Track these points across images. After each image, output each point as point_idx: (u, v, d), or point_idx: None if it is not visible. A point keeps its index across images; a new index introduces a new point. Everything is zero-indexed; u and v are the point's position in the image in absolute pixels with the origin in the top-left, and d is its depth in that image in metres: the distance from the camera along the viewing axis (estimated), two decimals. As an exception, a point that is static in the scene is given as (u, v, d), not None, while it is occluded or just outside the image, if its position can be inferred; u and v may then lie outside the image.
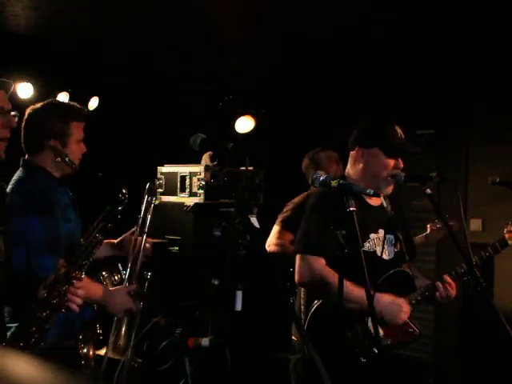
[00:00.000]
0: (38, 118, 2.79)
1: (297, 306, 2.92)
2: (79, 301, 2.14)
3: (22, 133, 2.80)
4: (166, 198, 4.13)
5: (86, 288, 2.27)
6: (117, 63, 5.34)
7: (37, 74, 4.95)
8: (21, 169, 2.79)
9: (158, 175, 4.22)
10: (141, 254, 2.99)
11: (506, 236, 3.11)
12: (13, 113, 2.20)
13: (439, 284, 2.84)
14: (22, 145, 2.82)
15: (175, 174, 4.13)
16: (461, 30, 4.44)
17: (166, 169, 4.21)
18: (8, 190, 2.64)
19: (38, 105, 2.84)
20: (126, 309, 2.68)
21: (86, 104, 5.55)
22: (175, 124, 5.66)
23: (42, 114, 2.80)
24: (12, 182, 2.72)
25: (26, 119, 2.80)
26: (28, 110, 2.83)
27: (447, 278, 2.86)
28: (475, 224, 5.28)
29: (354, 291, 2.63)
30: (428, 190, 2.68)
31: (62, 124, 2.76)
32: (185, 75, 5.66)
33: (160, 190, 4.15)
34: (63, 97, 5.35)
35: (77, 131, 2.82)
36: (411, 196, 5.03)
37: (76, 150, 2.80)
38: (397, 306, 2.76)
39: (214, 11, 4.27)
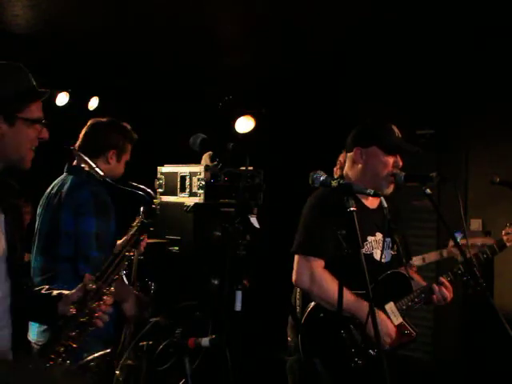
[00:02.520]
0: (106, 129, 3.13)
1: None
2: (107, 318, 2.07)
3: (82, 140, 3.12)
4: (165, 198, 4.12)
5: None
6: (117, 63, 5.34)
7: (37, 74, 4.94)
8: (69, 174, 3.04)
9: (158, 175, 4.21)
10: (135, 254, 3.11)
11: (505, 238, 3.10)
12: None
13: (435, 286, 2.84)
14: (82, 147, 3.07)
15: (175, 173, 4.12)
16: (461, 30, 4.44)
17: (166, 169, 4.20)
18: (64, 192, 2.94)
19: (103, 119, 3.18)
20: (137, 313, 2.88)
21: (86, 104, 5.55)
22: (175, 124, 5.66)
23: (110, 127, 3.14)
24: (66, 185, 2.98)
25: (94, 128, 3.14)
26: (92, 121, 3.17)
27: (444, 281, 2.85)
28: (475, 224, 5.28)
29: (350, 302, 2.62)
30: (428, 190, 2.67)
31: (123, 140, 3.12)
32: (185, 75, 5.65)
33: (160, 190, 4.15)
34: (63, 97, 5.35)
35: (129, 152, 3.18)
36: (411, 196, 5.02)
37: (123, 168, 3.16)
38: (384, 328, 2.74)
39: (213, 11, 4.27)
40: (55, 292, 2.13)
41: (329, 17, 4.34)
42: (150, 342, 2.52)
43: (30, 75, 2.08)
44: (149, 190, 2.37)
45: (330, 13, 4.25)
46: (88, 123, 3.19)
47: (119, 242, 2.80)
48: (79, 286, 2.08)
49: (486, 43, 4.59)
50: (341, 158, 4.37)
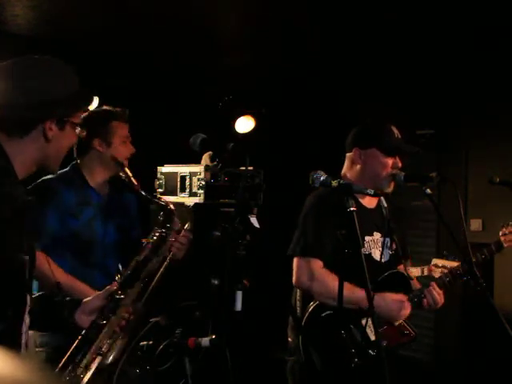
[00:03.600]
0: (84, 123, 2.89)
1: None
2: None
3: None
4: (166, 198, 4.13)
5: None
6: (117, 63, 5.34)
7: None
8: None
9: (158, 175, 4.21)
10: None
11: (502, 239, 3.10)
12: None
13: (426, 292, 2.85)
14: (74, 149, 2.96)
15: (175, 173, 4.12)
16: (461, 30, 4.43)
17: (166, 169, 4.19)
18: None
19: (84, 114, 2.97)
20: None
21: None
22: (175, 124, 5.65)
23: (85, 119, 2.91)
24: None
25: None
26: None
27: (435, 287, 2.86)
28: (475, 224, 5.28)
29: (354, 292, 2.62)
30: (428, 190, 2.68)
31: (103, 124, 2.94)
32: (184, 75, 5.65)
33: (160, 190, 4.15)
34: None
35: (120, 130, 2.96)
36: (411, 196, 5.02)
37: (122, 150, 2.97)
38: (399, 303, 2.76)
39: (213, 11, 4.27)
40: (69, 298, 2.11)
41: (329, 17, 4.33)
42: (150, 342, 2.53)
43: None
44: (170, 205, 2.36)
45: (329, 13, 4.24)
46: None
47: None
48: (99, 293, 2.08)
49: (485, 43, 4.59)
50: None
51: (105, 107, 3.08)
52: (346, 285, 2.46)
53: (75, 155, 3.06)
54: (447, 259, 3.29)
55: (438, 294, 2.84)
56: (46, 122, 1.86)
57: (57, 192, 2.86)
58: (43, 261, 2.72)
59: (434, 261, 3.59)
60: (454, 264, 3.15)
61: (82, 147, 2.98)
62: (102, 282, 2.90)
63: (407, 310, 2.79)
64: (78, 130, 1.98)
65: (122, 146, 3.00)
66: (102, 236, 3.01)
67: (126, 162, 3.01)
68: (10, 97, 1.86)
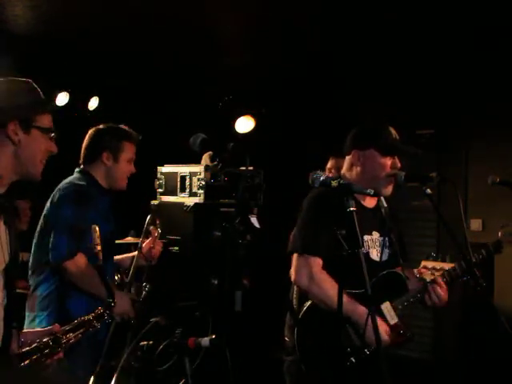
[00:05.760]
0: (98, 134, 3.23)
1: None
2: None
3: (82, 150, 3.23)
4: (165, 198, 4.13)
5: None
6: (117, 63, 5.34)
7: (37, 74, 4.94)
8: (75, 174, 3.20)
9: (158, 175, 4.22)
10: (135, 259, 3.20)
11: (503, 240, 3.07)
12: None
13: (430, 286, 2.84)
14: (82, 155, 3.23)
15: (175, 173, 4.12)
16: (461, 30, 4.44)
17: (166, 169, 4.19)
18: (60, 186, 3.05)
19: (100, 125, 3.28)
20: (125, 313, 2.98)
21: (86, 104, 5.56)
22: (175, 124, 5.66)
23: (101, 131, 3.23)
24: (65, 181, 3.10)
25: (89, 135, 3.25)
26: (91, 129, 3.26)
27: (439, 281, 2.85)
28: (475, 224, 5.28)
29: (347, 303, 2.61)
30: (428, 190, 2.68)
31: (115, 141, 3.19)
32: (184, 75, 5.66)
33: (160, 189, 4.15)
34: (63, 97, 5.35)
35: (129, 151, 3.23)
36: (411, 196, 5.02)
37: (125, 167, 3.22)
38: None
39: (214, 11, 4.28)
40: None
41: (329, 17, 4.34)
42: (150, 342, 2.53)
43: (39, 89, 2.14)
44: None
45: (329, 13, 4.25)
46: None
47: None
48: (47, 328, 2.15)
49: (486, 43, 4.59)
50: (329, 166, 4.36)
51: (121, 126, 3.29)
52: (345, 297, 2.44)
53: (81, 160, 3.23)
54: (436, 260, 3.27)
55: (441, 289, 2.83)
56: (8, 126, 1.96)
57: (94, 197, 3.04)
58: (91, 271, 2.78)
59: (423, 263, 3.56)
60: (444, 265, 3.13)
61: (91, 155, 3.19)
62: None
63: (386, 339, 2.76)
64: (53, 135, 2.08)
65: (126, 165, 3.23)
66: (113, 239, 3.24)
67: (126, 180, 3.25)
68: None
